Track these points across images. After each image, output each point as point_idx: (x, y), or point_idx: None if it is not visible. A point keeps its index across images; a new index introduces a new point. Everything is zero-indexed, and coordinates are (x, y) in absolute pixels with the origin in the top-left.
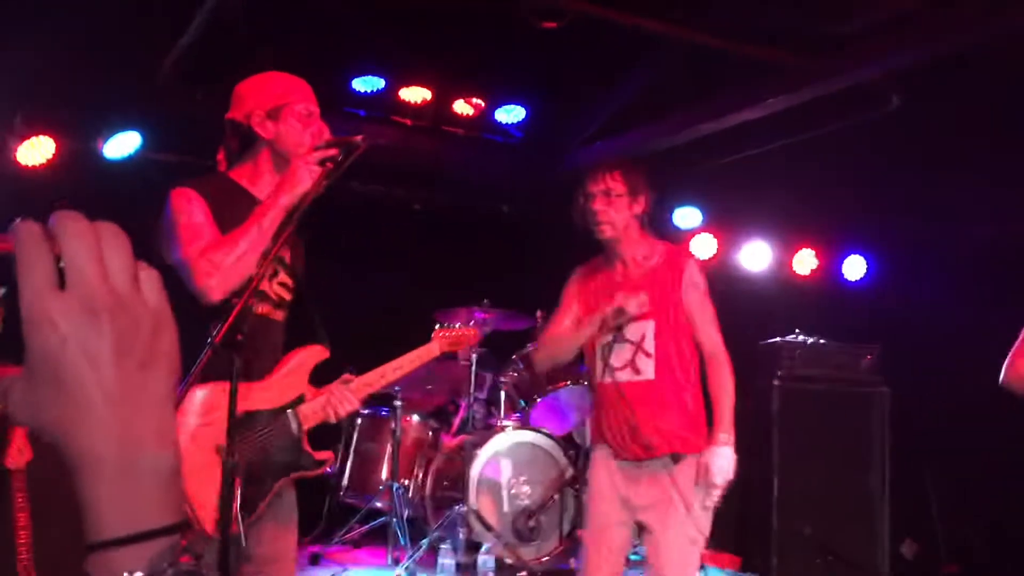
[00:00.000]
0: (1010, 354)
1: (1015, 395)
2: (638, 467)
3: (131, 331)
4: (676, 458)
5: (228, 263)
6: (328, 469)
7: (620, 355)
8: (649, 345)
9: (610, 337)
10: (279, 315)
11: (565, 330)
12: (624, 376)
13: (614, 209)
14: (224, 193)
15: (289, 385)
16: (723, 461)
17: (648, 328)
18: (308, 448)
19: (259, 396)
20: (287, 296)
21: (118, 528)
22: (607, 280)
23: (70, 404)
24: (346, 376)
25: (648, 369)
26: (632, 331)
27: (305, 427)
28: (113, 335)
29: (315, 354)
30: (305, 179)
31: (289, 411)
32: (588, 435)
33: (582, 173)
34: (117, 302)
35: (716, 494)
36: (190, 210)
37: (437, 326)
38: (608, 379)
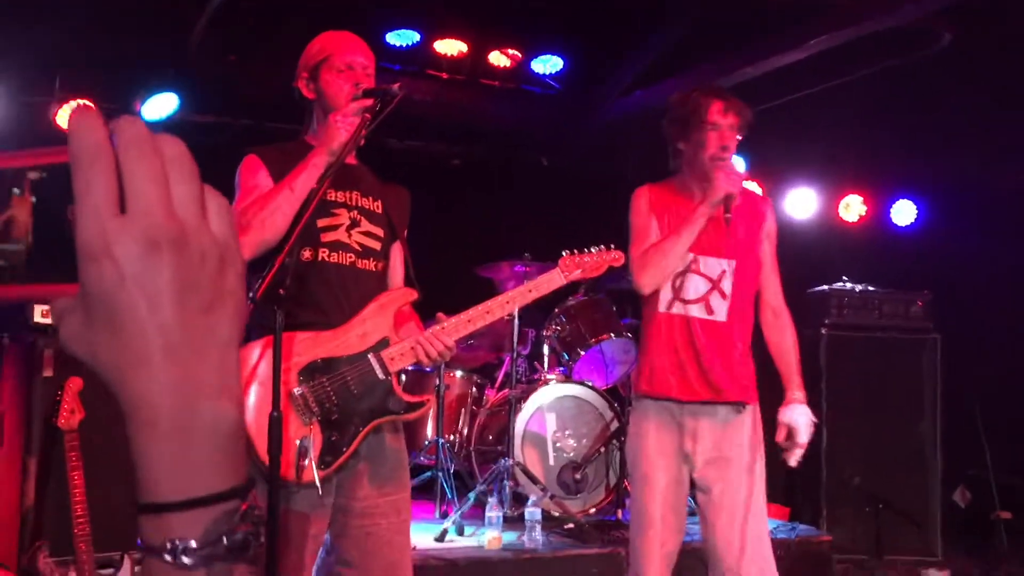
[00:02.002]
0: None
1: None
2: (697, 412)
3: (196, 268)
4: (739, 408)
5: (256, 223)
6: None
7: (693, 287)
8: (727, 285)
9: (682, 266)
10: (368, 264)
11: (665, 239)
12: (696, 311)
13: (733, 145)
14: (293, 156)
15: (371, 329)
16: (805, 419)
17: (729, 267)
18: (399, 392)
19: (338, 342)
20: (375, 245)
21: (171, 491)
22: (683, 203)
23: (126, 349)
24: (439, 316)
25: (722, 310)
26: (710, 267)
27: (392, 370)
28: (176, 272)
29: (399, 296)
30: (340, 133)
31: (371, 354)
32: (634, 382)
33: (694, 94)
34: (182, 234)
35: (799, 453)
36: (246, 174)
37: (564, 252)
38: (678, 311)
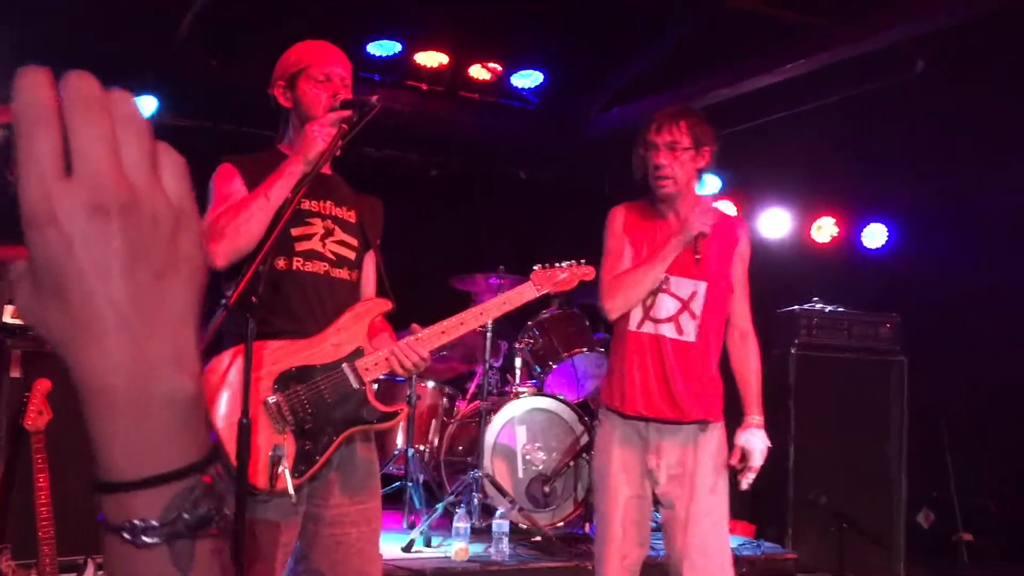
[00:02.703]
0: None
1: None
2: (661, 430)
3: (148, 233)
4: (704, 427)
5: (230, 230)
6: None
7: (664, 308)
8: (697, 306)
9: (655, 286)
10: (342, 273)
11: (642, 263)
12: (667, 330)
13: (679, 163)
14: (267, 165)
15: (345, 339)
16: (760, 443)
17: (700, 289)
18: (373, 401)
19: (313, 351)
20: (349, 255)
21: (130, 469)
22: (659, 229)
23: (76, 321)
24: (414, 327)
25: (691, 331)
26: (681, 288)
27: (366, 379)
28: (126, 238)
29: (373, 307)
30: (317, 143)
31: (345, 364)
32: (602, 396)
33: (641, 120)
34: (132, 197)
35: (751, 477)
36: (220, 182)
37: (536, 266)
38: (648, 329)
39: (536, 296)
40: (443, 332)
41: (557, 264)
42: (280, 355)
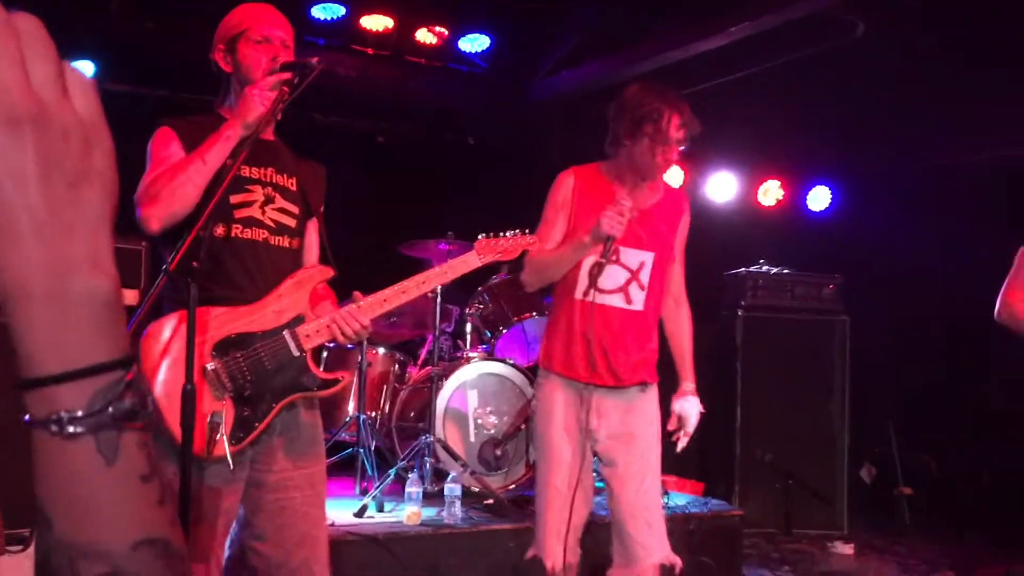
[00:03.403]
0: (1003, 291)
1: (1010, 331)
2: (604, 393)
3: (59, 145)
4: (644, 388)
5: (165, 193)
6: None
7: (612, 278)
8: (645, 277)
9: (603, 258)
10: (282, 241)
11: (559, 248)
12: (613, 301)
13: (674, 159)
14: (206, 128)
15: (286, 306)
16: (695, 409)
17: (648, 259)
18: (314, 368)
19: (253, 317)
20: (290, 222)
21: (53, 363)
22: (609, 193)
23: None
24: (356, 295)
25: (639, 300)
26: (630, 258)
27: (307, 347)
28: (39, 150)
29: (315, 274)
30: (256, 106)
31: (286, 331)
32: (540, 358)
33: (656, 101)
34: (41, 112)
35: (686, 441)
36: (158, 145)
37: (481, 235)
38: (592, 299)
39: (480, 265)
40: (385, 300)
41: (501, 233)
42: (220, 322)
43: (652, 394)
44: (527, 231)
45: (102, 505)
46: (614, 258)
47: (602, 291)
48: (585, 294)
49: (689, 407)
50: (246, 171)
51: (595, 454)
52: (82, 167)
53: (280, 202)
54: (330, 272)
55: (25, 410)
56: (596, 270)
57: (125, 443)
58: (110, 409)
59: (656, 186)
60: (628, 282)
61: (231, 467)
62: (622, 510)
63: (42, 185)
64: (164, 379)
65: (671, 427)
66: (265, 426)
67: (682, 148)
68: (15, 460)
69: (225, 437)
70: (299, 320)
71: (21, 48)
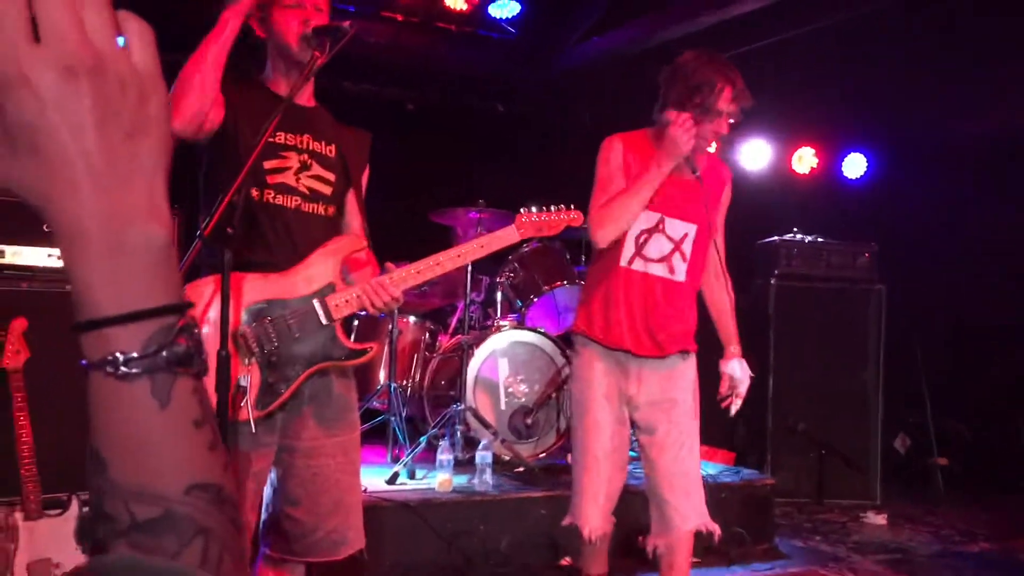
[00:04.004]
0: None
1: None
2: (642, 361)
3: (116, 95)
4: (683, 356)
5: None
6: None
7: (658, 247)
8: (687, 248)
9: (648, 224)
10: (317, 208)
11: (629, 188)
12: (658, 270)
13: (726, 132)
14: (249, 92)
15: (317, 274)
16: (745, 372)
17: (691, 231)
18: (342, 338)
19: (283, 284)
20: (325, 190)
21: (110, 305)
22: None
23: (52, 176)
24: (388, 265)
25: (681, 271)
26: (676, 229)
27: (336, 316)
28: (95, 99)
29: (346, 244)
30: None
31: (315, 300)
32: (577, 324)
33: (710, 70)
34: (98, 62)
35: (739, 403)
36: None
37: (522, 209)
38: (638, 267)
39: (517, 240)
40: (418, 272)
41: (544, 208)
42: (251, 287)
43: (692, 362)
44: (571, 206)
45: (156, 447)
46: (660, 227)
47: (648, 259)
48: (631, 262)
49: (739, 368)
50: (281, 137)
51: (632, 423)
52: (138, 117)
53: (316, 169)
54: (362, 243)
55: (65, 372)
56: (643, 238)
57: (179, 387)
58: (164, 352)
59: (701, 157)
60: (672, 252)
61: (253, 431)
62: (660, 477)
63: (99, 134)
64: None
65: (722, 390)
66: (291, 393)
67: (732, 121)
68: (53, 428)
69: (250, 403)
70: (329, 289)
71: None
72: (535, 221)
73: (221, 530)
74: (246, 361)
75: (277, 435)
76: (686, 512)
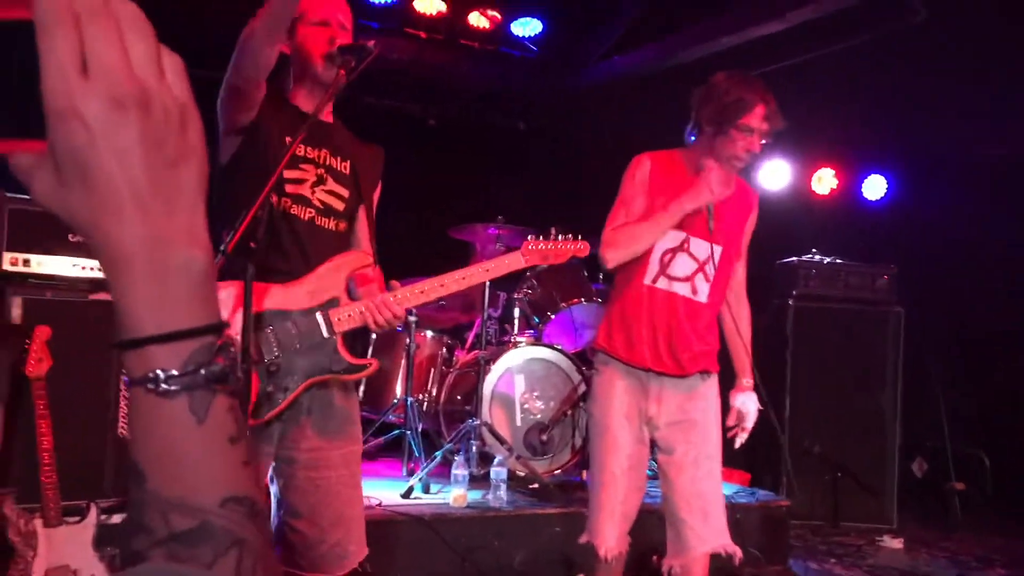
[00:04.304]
0: None
1: None
2: (663, 381)
3: (160, 125)
4: (704, 376)
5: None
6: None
7: (682, 266)
8: (711, 269)
9: (673, 243)
10: (328, 223)
11: (648, 218)
12: (681, 289)
13: (758, 151)
14: (273, 105)
15: (322, 287)
16: (753, 406)
17: (716, 252)
18: (344, 352)
19: (288, 295)
20: (338, 205)
21: (152, 326)
22: (687, 182)
23: (99, 204)
24: (393, 283)
25: (704, 291)
26: (699, 249)
27: (338, 330)
28: (142, 130)
29: (354, 260)
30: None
31: (318, 312)
32: (598, 341)
33: (743, 88)
34: (144, 93)
35: (744, 437)
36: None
37: (530, 236)
38: (662, 286)
39: (523, 266)
40: (422, 292)
41: (551, 237)
42: (257, 296)
43: (713, 382)
44: (579, 236)
45: (193, 461)
46: (684, 247)
47: (672, 278)
48: (655, 280)
49: (749, 403)
50: (302, 150)
51: (652, 442)
52: (180, 146)
53: (331, 184)
54: (368, 259)
55: (87, 381)
56: (666, 258)
57: (216, 404)
58: (203, 371)
59: (730, 179)
60: (695, 272)
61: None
62: (677, 497)
63: (145, 163)
64: None
65: (730, 422)
66: (288, 404)
67: (765, 141)
68: (73, 435)
69: (247, 410)
70: (333, 303)
71: (121, 31)
72: (541, 249)
73: (255, 542)
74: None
75: (274, 445)
76: (703, 533)
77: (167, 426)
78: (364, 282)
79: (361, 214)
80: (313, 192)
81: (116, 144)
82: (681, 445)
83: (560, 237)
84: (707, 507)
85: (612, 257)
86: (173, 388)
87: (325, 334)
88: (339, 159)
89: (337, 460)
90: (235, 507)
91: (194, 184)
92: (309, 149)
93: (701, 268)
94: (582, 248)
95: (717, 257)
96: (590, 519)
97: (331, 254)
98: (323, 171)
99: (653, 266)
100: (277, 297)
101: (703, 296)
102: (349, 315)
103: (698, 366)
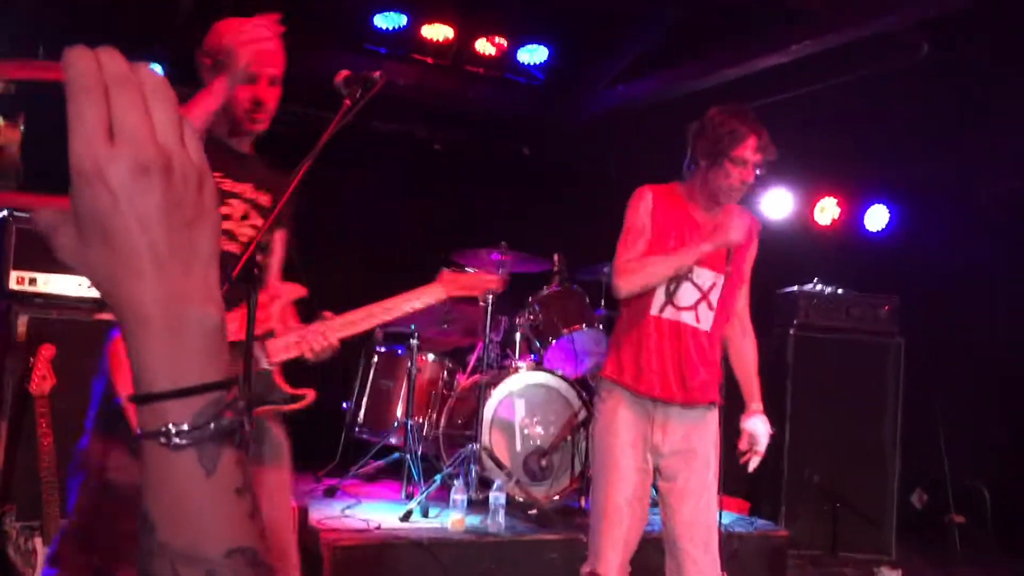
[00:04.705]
0: None
1: None
2: (669, 411)
3: (180, 188)
4: (709, 408)
5: None
6: (337, 406)
7: (686, 296)
8: (714, 298)
9: (676, 273)
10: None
11: (662, 257)
12: (687, 318)
13: (751, 181)
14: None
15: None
16: (765, 429)
17: (719, 281)
18: (281, 383)
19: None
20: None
21: (166, 382)
22: (687, 219)
23: (120, 264)
24: (325, 314)
25: (707, 320)
26: (702, 278)
27: (273, 360)
28: (164, 194)
29: (288, 292)
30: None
31: (255, 344)
32: (606, 371)
33: (735, 122)
34: (166, 159)
35: (757, 460)
36: None
37: (444, 269)
38: (668, 315)
39: (444, 298)
40: (352, 323)
41: (466, 270)
42: None
43: (715, 414)
44: (490, 273)
45: (200, 513)
46: (688, 276)
47: (678, 308)
48: (662, 310)
49: (761, 427)
50: (228, 185)
51: (655, 471)
52: (197, 207)
53: (254, 218)
54: (302, 291)
55: (81, 406)
56: (672, 287)
57: (225, 459)
58: (212, 425)
59: (730, 209)
60: (698, 301)
61: None
62: (679, 526)
63: (165, 225)
64: None
65: (742, 447)
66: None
67: (758, 172)
68: (73, 453)
69: None
70: (269, 334)
71: (146, 98)
72: (458, 280)
73: None
74: None
75: None
76: (703, 565)
77: (177, 478)
78: (291, 314)
79: (277, 242)
80: (239, 226)
81: (138, 208)
82: (683, 473)
83: (473, 270)
84: (708, 538)
85: (626, 287)
86: (184, 442)
87: (264, 365)
88: (262, 192)
89: (272, 484)
90: (239, 558)
91: (209, 243)
92: (234, 184)
93: (705, 297)
94: (494, 281)
95: (720, 285)
96: (593, 547)
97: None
98: (248, 206)
99: (659, 296)
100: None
101: (706, 324)
102: (285, 346)
103: (708, 396)
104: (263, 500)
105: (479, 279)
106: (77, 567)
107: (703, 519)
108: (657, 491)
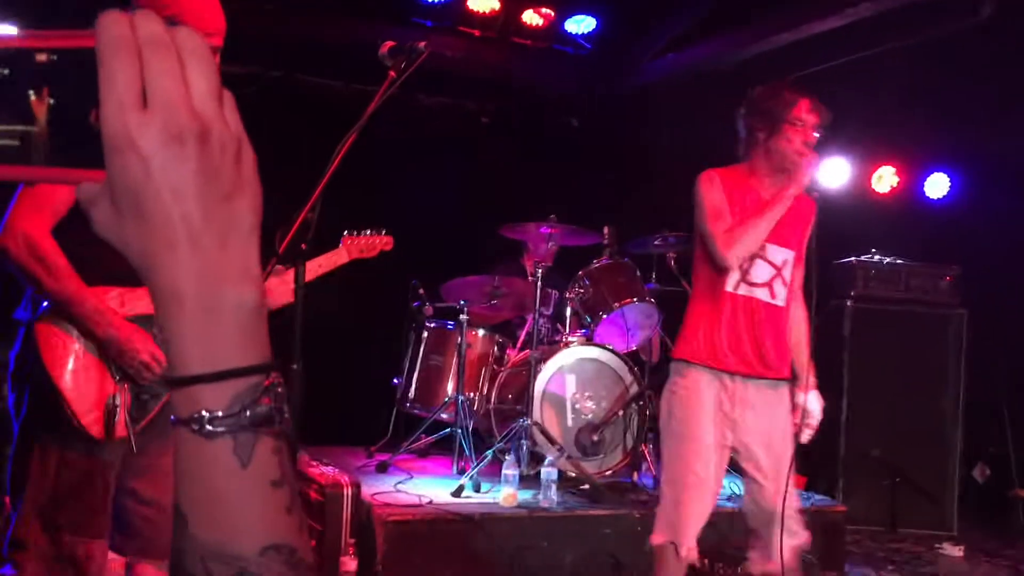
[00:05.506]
0: None
1: None
2: (747, 385)
3: (217, 159)
4: (784, 383)
5: None
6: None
7: (760, 273)
8: (787, 274)
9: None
10: None
11: (752, 218)
12: (762, 294)
13: (813, 142)
14: None
15: None
16: (818, 403)
17: (790, 257)
18: None
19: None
20: None
21: (199, 365)
22: (752, 191)
23: (153, 237)
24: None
25: (781, 296)
26: (776, 255)
27: None
28: (199, 164)
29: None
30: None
31: None
32: (680, 351)
33: (782, 90)
34: (202, 127)
35: (810, 434)
36: None
37: (345, 232)
38: (743, 292)
39: (347, 260)
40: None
41: (363, 232)
42: (119, 302)
43: (788, 390)
44: (384, 231)
45: (234, 506)
46: (761, 254)
47: (752, 284)
48: (736, 287)
49: (813, 400)
50: None
51: (733, 447)
52: (235, 179)
53: None
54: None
55: None
56: (746, 263)
57: (260, 447)
58: (247, 412)
59: (815, 161)
60: (773, 278)
61: (134, 449)
62: (764, 499)
63: (200, 197)
64: (74, 364)
65: (795, 420)
66: (159, 410)
67: (817, 133)
68: None
69: (127, 419)
70: None
71: (183, 64)
72: (358, 243)
73: None
74: (118, 378)
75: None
76: (795, 540)
77: (209, 469)
78: None
79: None
80: None
81: (171, 178)
82: (763, 447)
83: (369, 232)
84: (792, 512)
85: (735, 255)
86: (218, 430)
87: None
88: None
89: (162, 467)
90: (275, 556)
91: (248, 218)
92: None
93: (779, 273)
94: (387, 242)
95: (791, 261)
96: (668, 519)
97: None
98: None
99: (734, 273)
100: (142, 301)
101: (781, 300)
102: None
103: (783, 371)
104: (149, 472)
105: (375, 241)
106: (42, 548)
107: (787, 489)
108: (737, 467)
